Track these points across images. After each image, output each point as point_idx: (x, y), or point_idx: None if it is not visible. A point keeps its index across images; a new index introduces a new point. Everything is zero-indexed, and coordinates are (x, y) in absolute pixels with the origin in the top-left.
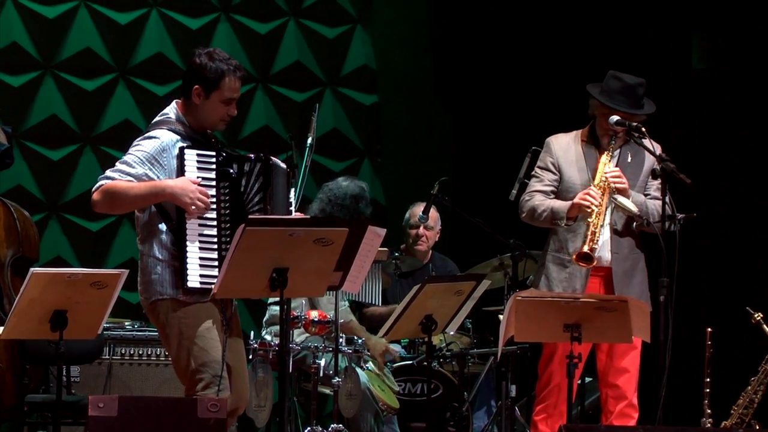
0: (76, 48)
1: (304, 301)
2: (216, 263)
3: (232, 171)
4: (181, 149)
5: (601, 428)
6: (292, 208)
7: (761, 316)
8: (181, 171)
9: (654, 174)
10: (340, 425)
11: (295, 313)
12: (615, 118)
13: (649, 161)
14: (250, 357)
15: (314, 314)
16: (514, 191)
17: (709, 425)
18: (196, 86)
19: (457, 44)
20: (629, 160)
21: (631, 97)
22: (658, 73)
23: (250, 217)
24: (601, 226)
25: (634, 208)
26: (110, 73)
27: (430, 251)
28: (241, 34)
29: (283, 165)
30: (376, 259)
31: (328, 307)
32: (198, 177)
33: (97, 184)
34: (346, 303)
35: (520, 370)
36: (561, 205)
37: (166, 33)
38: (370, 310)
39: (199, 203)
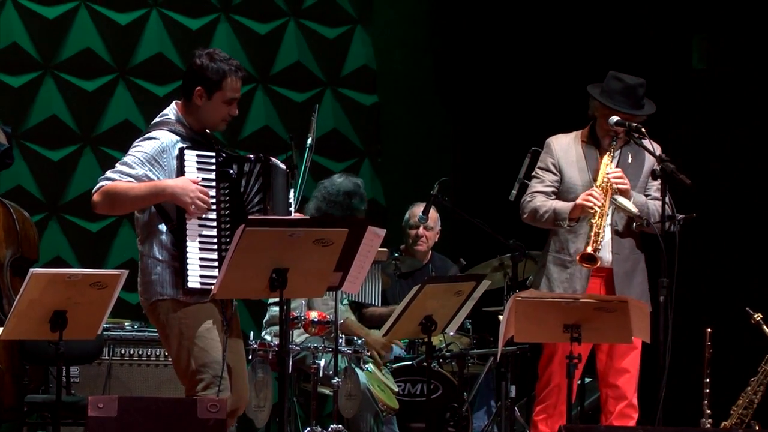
0: (76, 48)
1: (303, 302)
2: (216, 263)
3: (232, 171)
4: (181, 150)
5: (601, 428)
6: (292, 209)
7: (761, 316)
8: (181, 172)
9: (654, 174)
10: (340, 426)
11: (294, 314)
12: (615, 118)
13: (649, 162)
14: (250, 357)
15: (314, 315)
16: (514, 191)
17: (708, 426)
18: (198, 87)
19: (457, 44)
20: (630, 160)
21: (631, 97)
22: (658, 73)
23: (249, 217)
24: (604, 227)
25: (634, 209)
26: (110, 73)
27: (430, 251)
28: (241, 35)
29: (283, 165)
30: (376, 260)
31: (324, 307)
32: (198, 177)
33: (98, 186)
34: (345, 301)
35: (519, 371)
36: (563, 206)
37: (166, 33)
38: (370, 310)
39: (199, 203)
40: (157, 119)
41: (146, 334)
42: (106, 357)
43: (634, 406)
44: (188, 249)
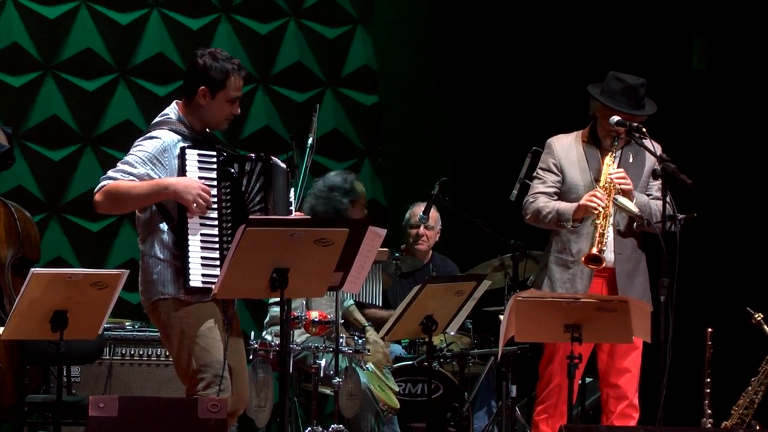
0: (77, 48)
1: (304, 302)
2: (218, 262)
3: (233, 171)
4: (182, 149)
5: (602, 428)
6: (292, 208)
7: (761, 316)
8: (182, 171)
9: (654, 174)
10: (341, 425)
11: (295, 314)
12: (616, 118)
13: (650, 162)
14: (251, 357)
15: (315, 315)
16: (515, 191)
17: (709, 426)
18: (202, 87)
19: (457, 44)
20: (630, 160)
21: (632, 97)
22: (659, 73)
23: (250, 217)
24: (608, 227)
25: (635, 209)
26: (111, 73)
27: (431, 251)
28: (241, 35)
29: (283, 165)
30: (377, 260)
31: (322, 303)
32: (199, 177)
33: (99, 185)
34: (351, 301)
35: (520, 371)
36: (567, 206)
37: (166, 33)
38: (371, 312)
39: (200, 201)
40: (158, 119)
41: (147, 334)
42: (107, 357)
43: (635, 406)
44: (190, 248)
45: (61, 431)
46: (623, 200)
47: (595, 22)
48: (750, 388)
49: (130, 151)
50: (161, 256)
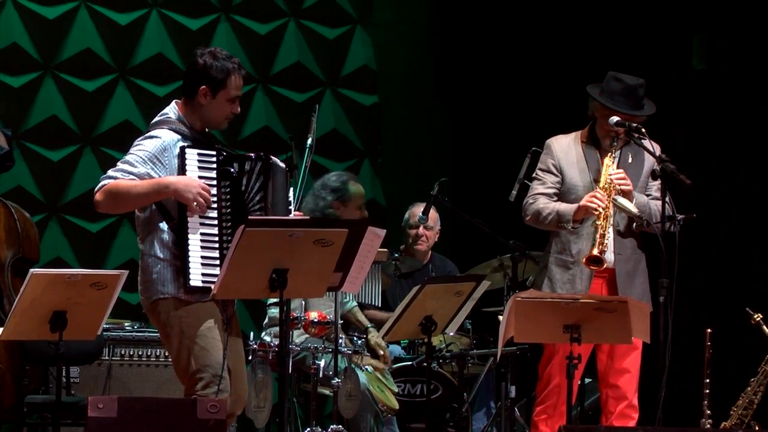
0: (77, 48)
1: (303, 302)
2: (218, 262)
3: (232, 170)
4: (182, 148)
5: (601, 429)
6: (291, 207)
7: (761, 316)
8: (182, 170)
9: (654, 175)
10: (340, 426)
11: (294, 314)
12: (615, 119)
13: (649, 162)
14: (250, 358)
15: (314, 315)
16: (514, 192)
17: (708, 426)
18: (203, 86)
19: (457, 44)
20: (630, 160)
21: (631, 98)
22: (658, 73)
23: (249, 218)
24: (609, 228)
25: (634, 210)
26: (110, 73)
27: (430, 252)
28: (241, 35)
29: (282, 164)
30: (376, 260)
31: (320, 303)
32: (199, 176)
33: (100, 184)
34: (354, 303)
35: (519, 371)
36: (567, 208)
37: (166, 33)
38: (371, 313)
39: (200, 200)
40: (157, 118)
41: (146, 334)
42: (106, 357)
43: (634, 407)
44: (190, 247)
45: None
46: (623, 201)
47: (594, 22)
48: (749, 388)
49: (130, 151)
50: (161, 256)
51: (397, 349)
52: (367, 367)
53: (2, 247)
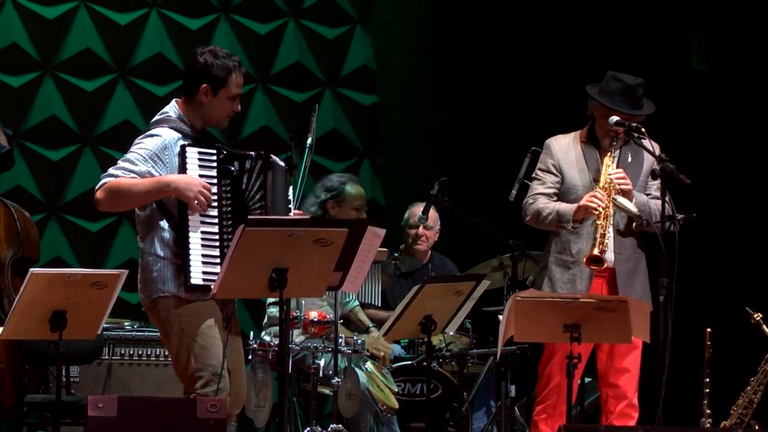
0: (76, 48)
1: (303, 302)
2: (218, 260)
3: (233, 169)
4: (183, 147)
5: (601, 428)
6: (291, 206)
7: (761, 316)
8: (182, 169)
9: (653, 174)
10: (340, 425)
11: (294, 314)
12: (614, 118)
13: (649, 161)
14: (249, 357)
15: (314, 314)
16: (514, 191)
17: (708, 425)
18: (204, 85)
19: (457, 44)
20: (629, 160)
21: (630, 97)
22: (658, 73)
23: (249, 217)
24: (609, 227)
25: (634, 209)
26: (110, 73)
27: (430, 251)
28: (241, 35)
29: (282, 163)
30: (376, 260)
31: (315, 303)
32: (199, 175)
33: (101, 182)
34: (357, 303)
35: (519, 371)
36: (567, 207)
37: (165, 33)
38: (371, 313)
39: (201, 198)
40: (157, 117)
41: (146, 333)
42: (106, 357)
43: (634, 406)
44: (190, 245)
45: (60, 431)
46: (623, 200)
47: (594, 22)
48: (749, 387)
49: (131, 149)
50: (161, 254)
51: (397, 349)
52: (367, 366)
53: (2, 246)
